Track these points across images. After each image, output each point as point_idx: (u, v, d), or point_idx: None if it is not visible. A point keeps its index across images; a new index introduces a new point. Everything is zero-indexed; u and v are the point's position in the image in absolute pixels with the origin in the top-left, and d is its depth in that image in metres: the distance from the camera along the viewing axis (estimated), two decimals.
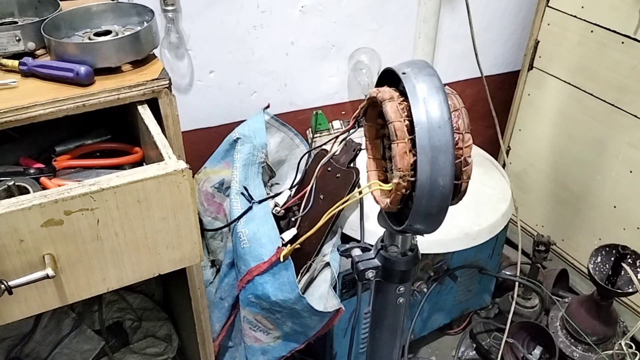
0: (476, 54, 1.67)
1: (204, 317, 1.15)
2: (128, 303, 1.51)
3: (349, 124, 0.68)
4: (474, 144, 0.59)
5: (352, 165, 1.35)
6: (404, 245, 0.71)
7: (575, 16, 1.68)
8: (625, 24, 1.54)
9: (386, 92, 0.59)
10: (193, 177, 1.46)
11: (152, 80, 0.89)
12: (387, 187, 0.58)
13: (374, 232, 1.37)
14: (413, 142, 0.54)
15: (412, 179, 0.54)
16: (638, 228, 1.67)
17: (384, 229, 0.72)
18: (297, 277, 1.28)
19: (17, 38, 0.92)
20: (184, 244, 0.84)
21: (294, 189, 1.45)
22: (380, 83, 0.63)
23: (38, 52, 0.95)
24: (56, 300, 0.80)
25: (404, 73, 0.57)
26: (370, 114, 0.63)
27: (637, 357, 1.50)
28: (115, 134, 1.05)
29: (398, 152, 0.54)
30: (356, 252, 0.75)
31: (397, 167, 0.55)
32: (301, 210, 1.36)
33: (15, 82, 0.86)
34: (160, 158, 0.81)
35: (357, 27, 1.66)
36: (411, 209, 0.56)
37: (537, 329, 1.66)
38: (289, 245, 1.28)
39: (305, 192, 1.36)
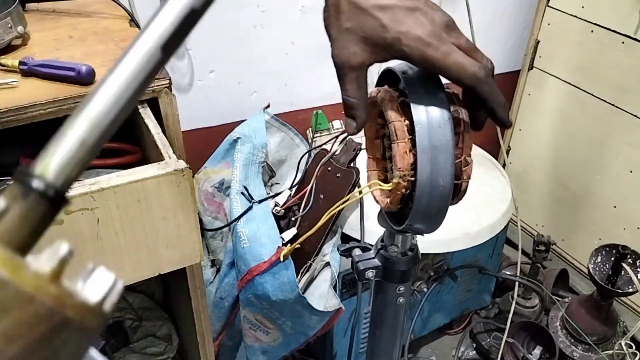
0: None
1: (204, 317, 1.15)
2: (128, 302, 1.51)
3: None
4: (474, 144, 0.59)
5: (352, 165, 1.35)
6: (404, 245, 0.71)
7: (575, 16, 1.68)
8: (626, 23, 1.54)
9: (386, 92, 0.58)
10: (193, 176, 1.46)
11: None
12: (387, 187, 0.58)
13: (374, 232, 1.37)
14: (413, 142, 0.54)
15: (412, 178, 0.54)
16: (638, 228, 1.67)
17: (384, 229, 0.72)
18: (297, 276, 1.28)
19: (10, 25, 0.92)
20: (184, 244, 0.84)
21: (294, 189, 1.45)
22: (380, 83, 0.63)
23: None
24: None
25: (404, 73, 0.56)
26: (370, 113, 0.63)
27: (637, 357, 1.50)
28: (115, 133, 1.04)
29: (398, 152, 0.54)
30: (356, 251, 0.75)
31: (397, 167, 0.54)
32: (301, 210, 1.36)
33: (15, 81, 0.86)
34: (160, 158, 0.81)
35: None
36: (411, 209, 0.56)
37: (537, 328, 1.66)
38: (288, 245, 1.28)
39: (305, 192, 1.36)
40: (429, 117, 0.53)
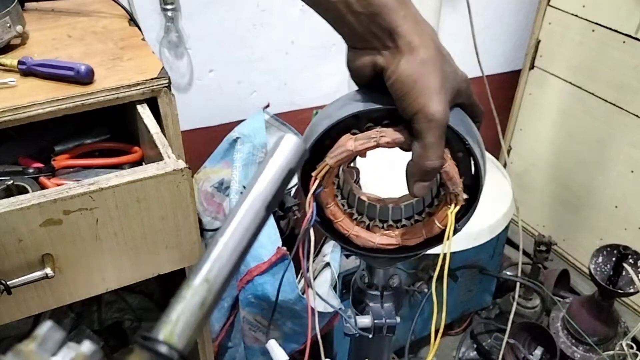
0: (477, 53, 1.66)
1: None
2: (127, 303, 1.51)
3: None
4: None
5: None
6: (386, 278, 0.69)
7: (576, 15, 1.68)
8: (627, 23, 1.54)
9: (388, 132, 0.51)
10: (192, 176, 1.46)
11: (152, 79, 0.88)
12: (457, 208, 0.56)
13: None
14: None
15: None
16: (639, 228, 1.66)
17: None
18: (297, 277, 1.28)
19: (9, 25, 0.92)
20: (183, 244, 0.84)
21: (293, 189, 1.45)
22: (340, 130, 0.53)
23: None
24: (55, 300, 0.80)
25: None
26: (327, 178, 0.54)
27: (638, 358, 1.49)
28: (114, 133, 1.04)
29: (455, 171, 0.52)
30: (364, 321, 0.67)
31: (457, 185, 0.53)
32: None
33: (14, 81, 0.85)
34: (159, 157, 0.81)
35: None
36: (471, 211, 0.56)
37: (538, 329, 1.66)
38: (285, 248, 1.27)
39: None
40: (461, 121, 0.52)
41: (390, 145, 0.51)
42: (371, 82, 0.51)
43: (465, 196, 0.54)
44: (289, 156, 0.31)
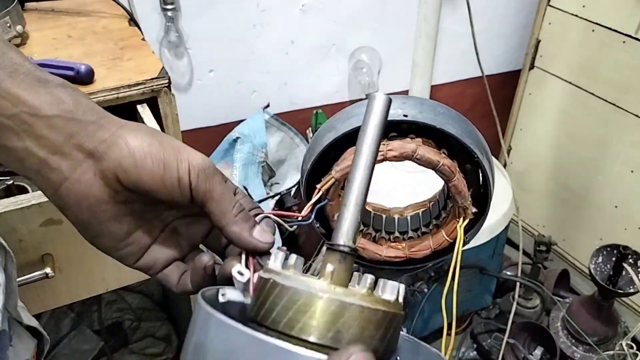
0: (477, 53, 1.66)
1: None
2: (127, 303, 1.51)
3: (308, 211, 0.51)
4: None
5: None
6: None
7: (576, 15, 1.68)
8: (627, 23, 1.54)
9: (395, 145, 0.50)
10: None
11: (152, 79, 0.88)
12: (467, 219, 0.56)
13: None
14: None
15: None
16: (639, 228, 1.66)
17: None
18: None
19: (9, 25, 0.92)
20: None
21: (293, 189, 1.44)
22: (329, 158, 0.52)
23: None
24: (55, 300, 0.80)
25: (405, 115, 0.50)
26: (333, 192, 0.53)
27: (638, 358, 1.49)
28: None
29: (463, 184, 0.52)
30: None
31: (466, 199, 0.53)
32: None
33: None
34: None
35: (357, 26, 1.65)
36: (479, 223, 0.56)
37: (538, 329, 1.66)
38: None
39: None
40: (469, 133, 0.51)
41: (397, 159, 0.51)
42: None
43: (474, 210, 0.54)
44: (383, 111, 0.39)
